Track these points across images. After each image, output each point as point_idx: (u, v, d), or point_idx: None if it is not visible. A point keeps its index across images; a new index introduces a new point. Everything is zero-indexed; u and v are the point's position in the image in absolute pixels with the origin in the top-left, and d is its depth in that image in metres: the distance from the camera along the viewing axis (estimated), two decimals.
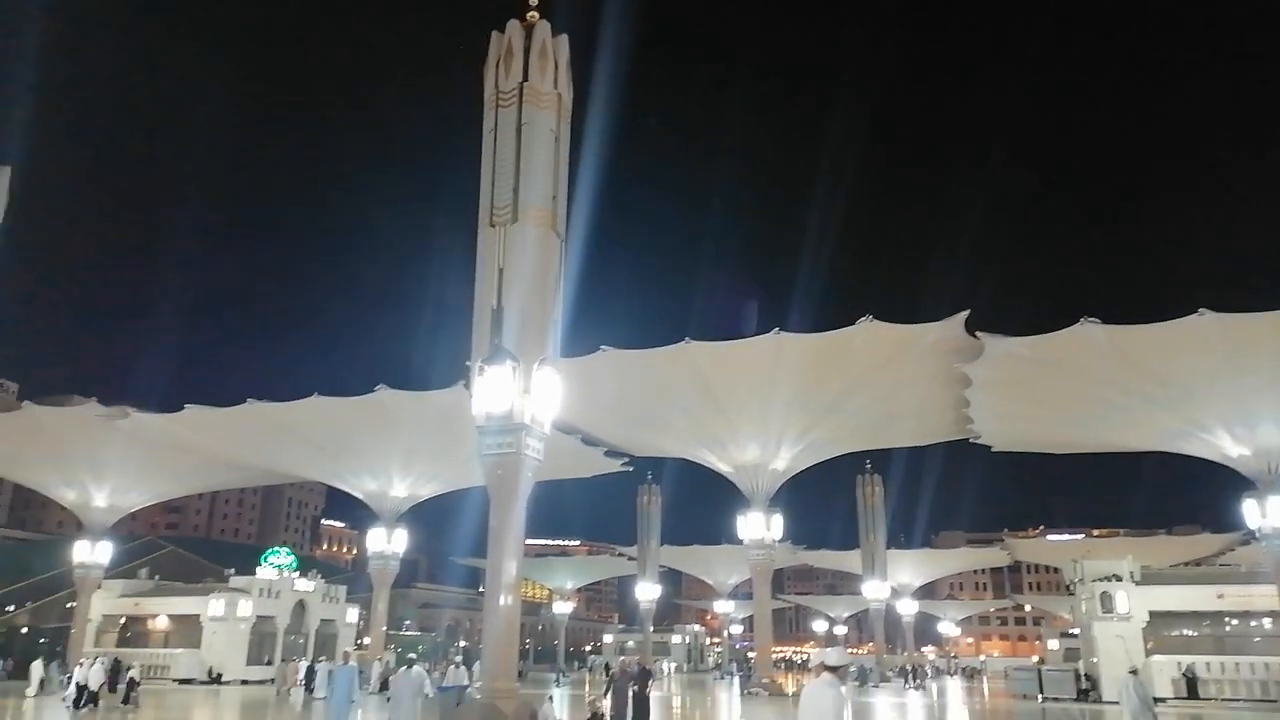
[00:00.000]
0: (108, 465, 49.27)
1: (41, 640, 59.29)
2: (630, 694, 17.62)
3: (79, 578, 51.75)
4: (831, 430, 43.44)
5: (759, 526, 44.38)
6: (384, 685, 35.61)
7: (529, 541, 27.17)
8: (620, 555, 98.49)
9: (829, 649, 7.26)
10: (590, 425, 43.50)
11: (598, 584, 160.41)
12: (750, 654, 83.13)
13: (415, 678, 18.95)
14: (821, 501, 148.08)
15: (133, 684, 32.05)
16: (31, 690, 37.38)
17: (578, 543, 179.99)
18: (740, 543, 47.05)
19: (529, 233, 24.71)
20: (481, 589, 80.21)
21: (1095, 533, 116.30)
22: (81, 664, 34.41)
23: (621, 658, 52.06)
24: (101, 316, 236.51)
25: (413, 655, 21.07)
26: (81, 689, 30.93)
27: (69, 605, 57.31)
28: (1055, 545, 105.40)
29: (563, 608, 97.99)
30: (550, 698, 23.86)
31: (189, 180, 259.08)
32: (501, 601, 22.57)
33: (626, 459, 50.21)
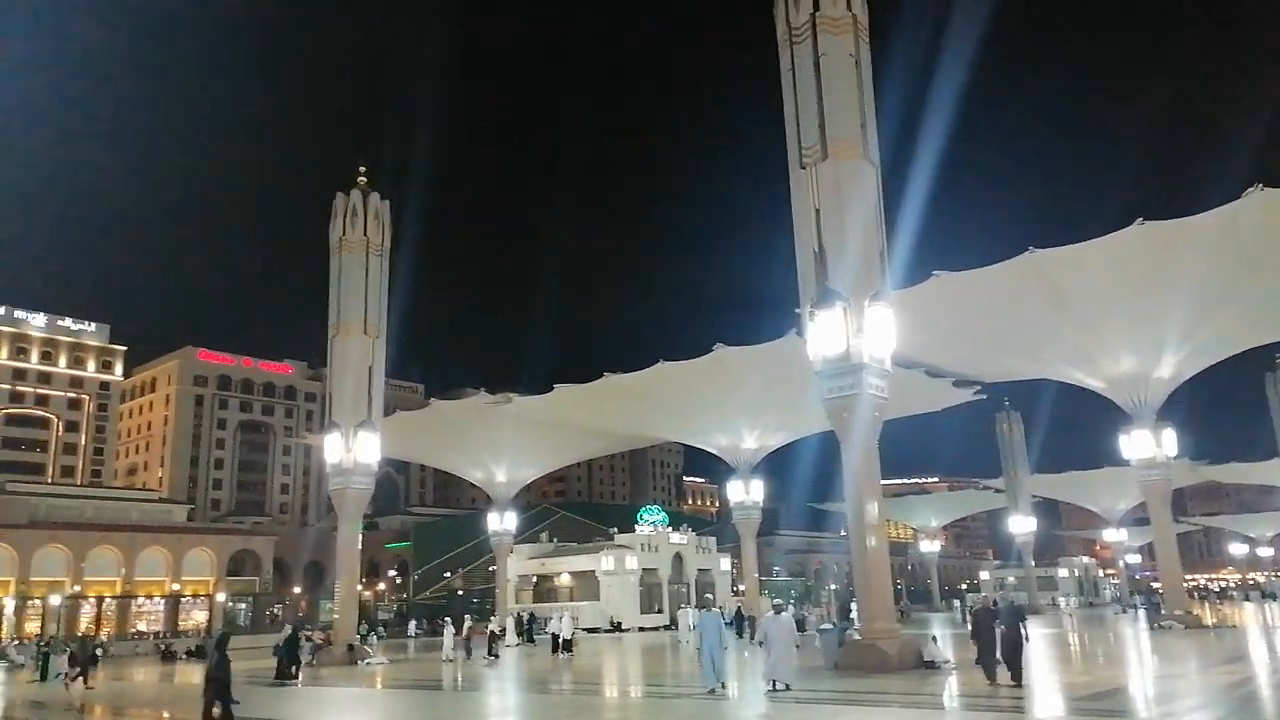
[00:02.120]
0: (502, 445, 56.22)
1: (474, 600, 69.57)
2: (999, 633, 16.31)
3: (495, 544, 59.80)
4: (1226, 325, 37.32)
5: (1147, 444, 39.51)
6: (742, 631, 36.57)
7: (886, 481, 26.60)
8: (986, 488, 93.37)
9: None
10: (934, 356, 41.39)
11: (964, 520, 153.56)
12: (1155, 584, 74.86)
13: (786, 623, 18.41)
14: (1223, 408, 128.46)
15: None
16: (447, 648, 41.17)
17: (936, 479, 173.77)
18: (1126, 464, 42.30)
19: (840, 167, 24.00)
20: (844, 532, 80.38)
21: None
22: (551, 618, 39.23)
23: (982, 594, 49.30)
24: (481, 313, 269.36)
25: (778, 600, 21.13)
26: (555, 638, 35.28)
27: (490, 569, 66.56)
28: None
29: (930, 546, 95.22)
30: (933, 637, 23.33)
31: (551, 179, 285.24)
32: (868, 543, 22.42)
33: (978, 387, 47.15)
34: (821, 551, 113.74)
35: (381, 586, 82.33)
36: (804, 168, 24.50)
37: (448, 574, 77.87)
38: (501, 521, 58.99)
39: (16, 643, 49.77)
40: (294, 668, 27.51)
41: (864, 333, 22.61)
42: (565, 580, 61.11)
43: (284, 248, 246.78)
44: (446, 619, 38.23)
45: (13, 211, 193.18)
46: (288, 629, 30.58)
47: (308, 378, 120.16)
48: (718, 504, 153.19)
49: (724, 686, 17.78)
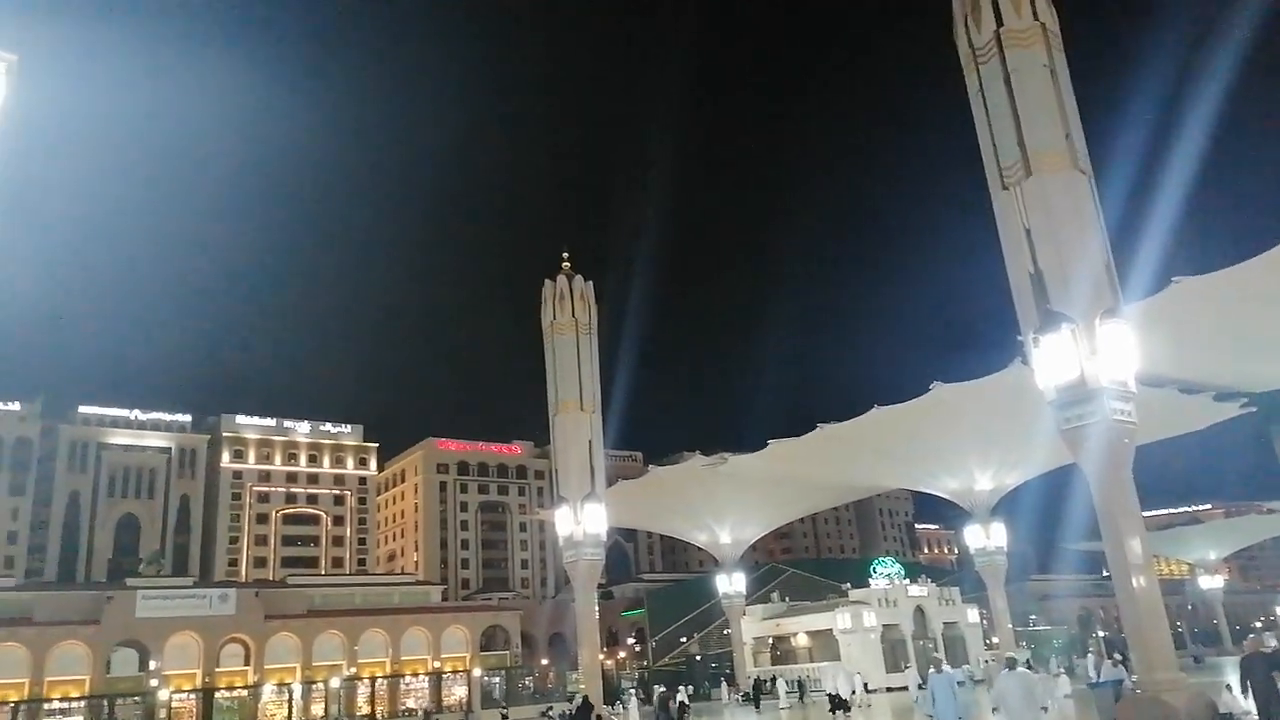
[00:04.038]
0: (722, 506, 56.26)
1: (712, 665, 69.12)
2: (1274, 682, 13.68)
3: (726, 607, 59.43)
4: None
5: None
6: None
7: (1150, 513, 24.12)
8: (1271, 512, 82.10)
9: None
10: (1186, 371, 37.30)
11: (1250, 549, 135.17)
12: None
13: (1024, 682, 15.74)
14: None
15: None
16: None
17: (1209, 506, 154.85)
18: None
19: (1048, 182, 22.66)
20: (1106, 573, 73.16)
21: None
22: (828, 676, 38.65)
23: (1250, 635, 42.40)
24: (693, 378, 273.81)
25: (1012, 654, 18.46)
26: (833, 698, 34.66)
27: (725, 632, 66.05)
28: None
29: (1211, 581, 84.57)
30: (1228, 685, 20.62)
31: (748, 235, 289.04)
32: (1135, 584, 20.34)
33: (1244, 399, 41.90)
34: (1083, 595, 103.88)
35: (622, 654, 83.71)
36: (1006, 188, 23.32)
37: (684, 639, 78.00)
38: (730, 583, 58.60)
39: None
40: None
41: (1098, 354, 20.90)
42: (802, 640, 59.50)
43: (504, 335, 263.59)
44: (630, 691, 38.46)
45: (268, 329, 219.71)
46: (579, 699, 32.01)
47: (535, 456, 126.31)
48: (955, 550, 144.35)
49: None
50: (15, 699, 53.58)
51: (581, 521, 40.40)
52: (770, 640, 61.56)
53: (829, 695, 35.11)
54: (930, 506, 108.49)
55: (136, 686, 56.09)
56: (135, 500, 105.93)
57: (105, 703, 54.23)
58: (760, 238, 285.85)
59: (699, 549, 67.73)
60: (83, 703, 54.88)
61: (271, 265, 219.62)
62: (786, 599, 67.14)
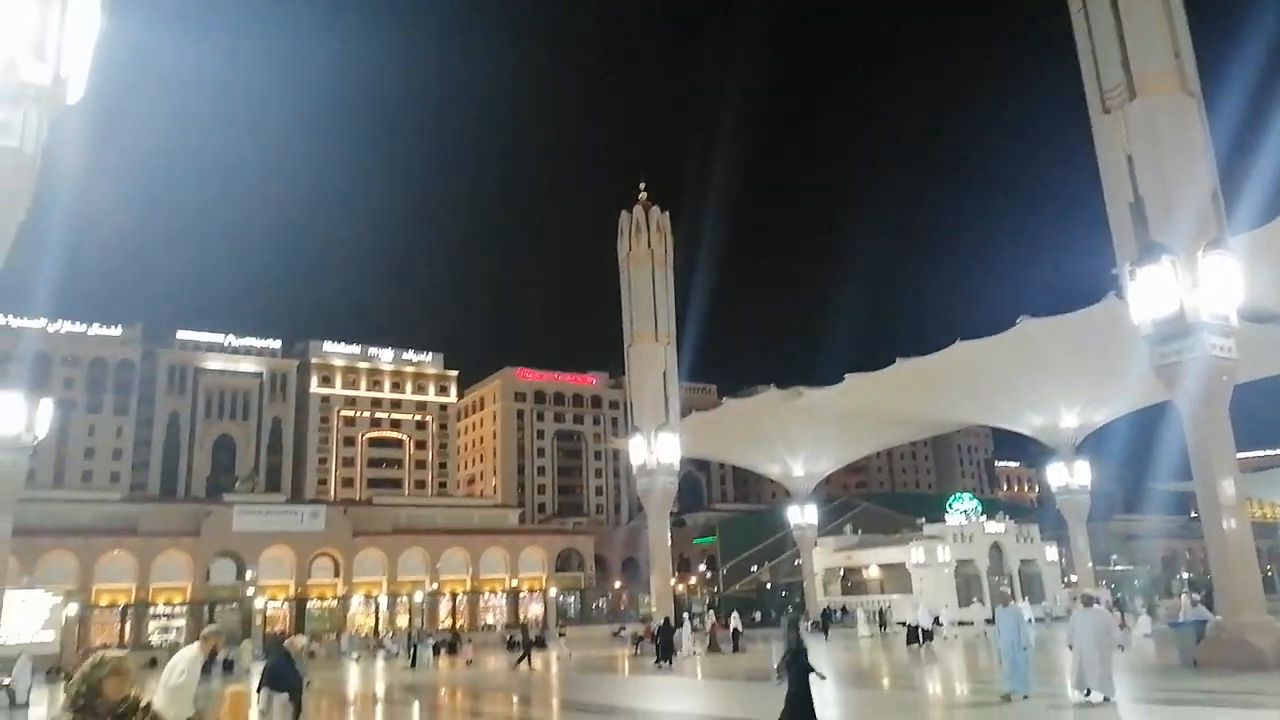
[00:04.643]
0: (797, 439, 56.14)
1: (783, 593, 70.00)
2: None
3: (798, 538, 59.79)
4: None
5: None
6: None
7: (1244, 455, 23.17)
8: None
9: None
10: None
11: None
12: None
13: (1099, 619, 15.23)
14: None
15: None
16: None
17: None
18: None
19: (1154, 105, 21.36)
20: (1194, 514, 70.94)
21: None
22: (910, 608, 38.49)
23: None
24: (770, 310, 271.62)
25: (1088, 591, 17.63)
26: (911, 629, 34.43)
27: (795, 563, 66.62)
28: None
29: None
30: None
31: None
32: (1224, 526, 19.69)
33: None
34: (1168, 537, 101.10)
35: (693, 580, 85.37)
36: (1108, 112, 22.07)
37: (754, 568, 79.00)
38: (802, 515, 58.83)
39: (390, 635, 57.62)
40: (669, 653, 29.31)
41: (1199, 287, 19.90)
42: (874, 573, 59.63)
43: (582, 265, 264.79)
44: (685, 615, 39.07)
45: (355, 259, 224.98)
46: (661, 619, 32.87)
47: (610, 386, 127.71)
48: (1036, 489, 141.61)
49: (1024, 698, 15.36)
50: (125, 602, 57.70)
51: (655, 451, 40.91)
52: (841, 571, 61.87)
53: (907, 626, 35.23)
54: (1011, 443, 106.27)
55: (234, 594, 59.70)
56: (230, 422, 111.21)
57: (205, 608, 57.93)
58: (841, 168, 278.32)
59: (771, 481, 67.93)
60: (185, 607, 58.74)
61: (358, 197, 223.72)
62: (859, 532, 67.16)
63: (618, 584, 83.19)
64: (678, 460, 41.84)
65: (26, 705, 22.18)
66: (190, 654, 7.93)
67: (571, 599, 74.26)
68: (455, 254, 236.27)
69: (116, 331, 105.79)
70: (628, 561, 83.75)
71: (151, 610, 58.41)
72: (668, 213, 45.93)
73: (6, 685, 23.17)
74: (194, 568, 60.11)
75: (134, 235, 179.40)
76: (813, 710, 11.54)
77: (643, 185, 46.40)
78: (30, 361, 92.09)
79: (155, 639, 56.15)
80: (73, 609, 51.54)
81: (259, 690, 10.95)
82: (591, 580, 77.16)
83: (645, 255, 44.08)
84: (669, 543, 43.68)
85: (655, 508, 41.35)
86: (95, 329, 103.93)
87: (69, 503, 62.49)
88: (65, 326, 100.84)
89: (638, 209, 45.14)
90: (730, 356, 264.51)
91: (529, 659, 30.79)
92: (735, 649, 34.18)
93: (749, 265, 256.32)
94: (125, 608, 57.49)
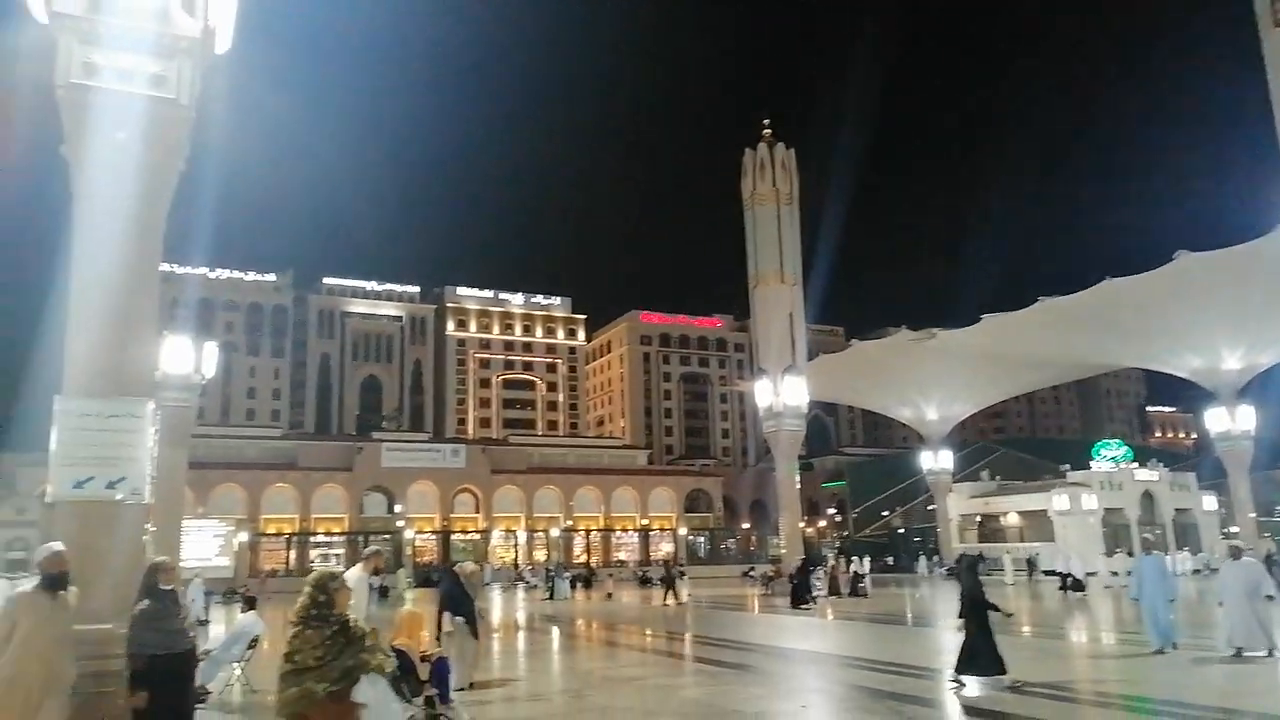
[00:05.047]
0: (930, 382, 54.64)
1: (915, 539, 68.91)
2: None
3: (932, 483, 58.56)
4: None
5: None
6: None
7: None
8: None
9: None
10: None
11: None
12: None
13: (1247, 571, 14.19)
14: None
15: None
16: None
17: None
18: None
19: None
20: None
21: None
22: (1063, 556, 37.38)
23: None
24: (900, 250, 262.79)
25: (1237, 543, 16.35)
26: (1064, 577, 33.76)
27: (929, 508, 65.34)
28: None
29: None
30: None
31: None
32: None
33: None
34: None
35: (822, 524, 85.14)
36: (1279, 25, 20.08)
37: (885, 512, 77.98)
38: (936, 460, 57.46)
39: (530, 568, 60.32)
40: (808, 594, 29.75)
41: None
42: (1013, 520, 57.82)
43: (708, 207, 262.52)
44: (820, 556, 38.87)
45: (488, 205, 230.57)
46: (798, 560, 33.29)
47: (735, 329, 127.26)
48: (1193, 435, 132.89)
49: (1174, 646, 14.66)
50: (289, 531, 62.59)
51: (781, 394, 40.70)
52: (978, 518, 60.30)
53: (1060, 575, 34.23)
54: (1166, 387, 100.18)
55: (386, 526, 63.74)
56: (376, 363, 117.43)
57: (361, 538, 62.20)
58: (983, 97, 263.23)
59: (902, 425, 66.55)
60: (342, 538, 63.22)
61: (490, 149, 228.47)
62: (997, 478, 65.10)
63: (745, 525, 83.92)
64: (805, 403, 41.48)
65: (206, 623, 24.63)
66: (356, 574, 8.62)
67: (701, 539, 75.60)
68: (583, 200, 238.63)
69: (271, 278, 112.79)
70: (755, 504, 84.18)
71: (312, 539, 63.17)
72: (793, 149, 44.86)
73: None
74: (349, 500, 64.48)
75: (283, 185, 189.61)
76: (997, 651, 11.58)
77: (767, 122, 45.45)
78: (194, 307, 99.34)
79: (317, 566, 60.88)
80: (243, 537, 56.34)
81: (440, 613, 11.81)
82: (720, 521, 78.15)
83: (769, 194, 43.30)
84: (797, 486, 43.64)
85: (782, 451, 41.27)
86: (251, 275, 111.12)
87: (236, 439, 67.94)
88: (224, 274, 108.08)
89: (761, 146, 44.24)
90: (858, 298, 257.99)
91: (674, 594, 31.65)
92: (854, 593, 34.10)
93: (879, 202, 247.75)
94: (290, 537, 62.40)
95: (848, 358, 55.79)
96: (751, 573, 49.08)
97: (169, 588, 7.15)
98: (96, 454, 9.43)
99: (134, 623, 7.04)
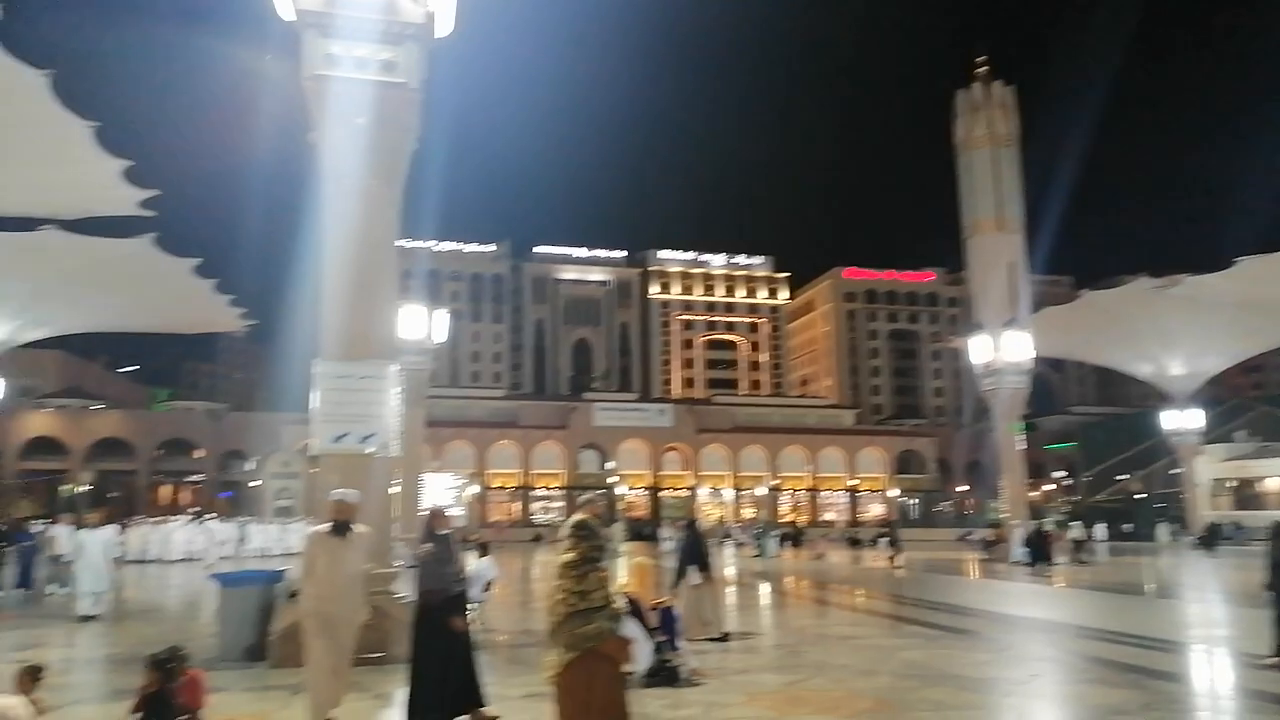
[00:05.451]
0: (1174, 334, 49.50)
1: (1158, 504, 63.16)
2: None
3: (1176, 445, 53.35)
4: None
5: None
6: None
7: None
8: None
9: None
10: None
11: None
12: None
13: None
14: None
15: None
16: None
17: None
18: None
19: None
20: None
21: None
22: None
23: None
24: (1138, 192, 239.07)
25: None
26: None
27: (1170, 471, 59.63)
28: None
29: None
30: None
31: None
32: None
33: None
34: None
35: (1047, 487, 79.97)
36: None
37: (1121, 476, 72.00)
38: (1183, 419, 52.22)
39: (738, 525, 61.00)
40: (1045, 560, 28.52)
41: None
42: (1273, 485, 51.73)
43: (913, 155, 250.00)
44: (1015, 523, 36.03)
45: (688, 166, 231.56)
46: (1032, 524, 32.21)
47: (947, 282, 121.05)
48: None
49: None
50: (512, 485, 66.83)
51: (1001, 350, 38.38)
52: (1233, 483, 54.42)
53: None
54: None
55: (598, 481, 66.54)
56: (585, 327, 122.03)
57: (576, 492, 65.36)
58: (1233, 13, 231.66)
59: (1140, 382, 60.68)
60: (561, 491, 66.69)
61: (688, 108, 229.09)
62: (1256, 439, 58.30)
63: (962, 488, 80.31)
64: (1028, 359, 38.90)
65: None
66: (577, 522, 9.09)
67: (913, 501, 73.26)
68: (782, 156, 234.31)
69: (490, 248, 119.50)
70: (972, 465, 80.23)
71: (533, 493, 67.10)
72: (1012, 86, 41.78)
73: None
74: (565, 456, 67.85)
75: (497, 157, 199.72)
76: None
77: (981, 59, 42.50)
78: (424, 278, 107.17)
79: (538, 518, 64.69)
80: (474, 490, 60.83)
81: (681, 566, 12.34)
82: (934, 483, 75.32)
83: (986, 136, 40.60)
84: (1020, 447, 41.15)
85: (1002, 410, 38.95)
86: (472, 247, 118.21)
87: (463, 399, 73.07)
88: (447, 246, 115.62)
89: (976, 85, 41.48)
90: (1088, 245, 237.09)
91: (897, 554, 30.85)
92: (1076, 561, 31.86)
93: (1112, 141, 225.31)
94: (514, 490, 66.67)
95: (1077, 309, 51.49)
96: (969, 536, 47.13)
97: (444, 532, 7.63)
98: (350, 411, 10.50)
99: (419, 562, 7.64)
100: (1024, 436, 41.69)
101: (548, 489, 67.62)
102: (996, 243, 39.57)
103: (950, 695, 8.89)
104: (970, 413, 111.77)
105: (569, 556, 5.44)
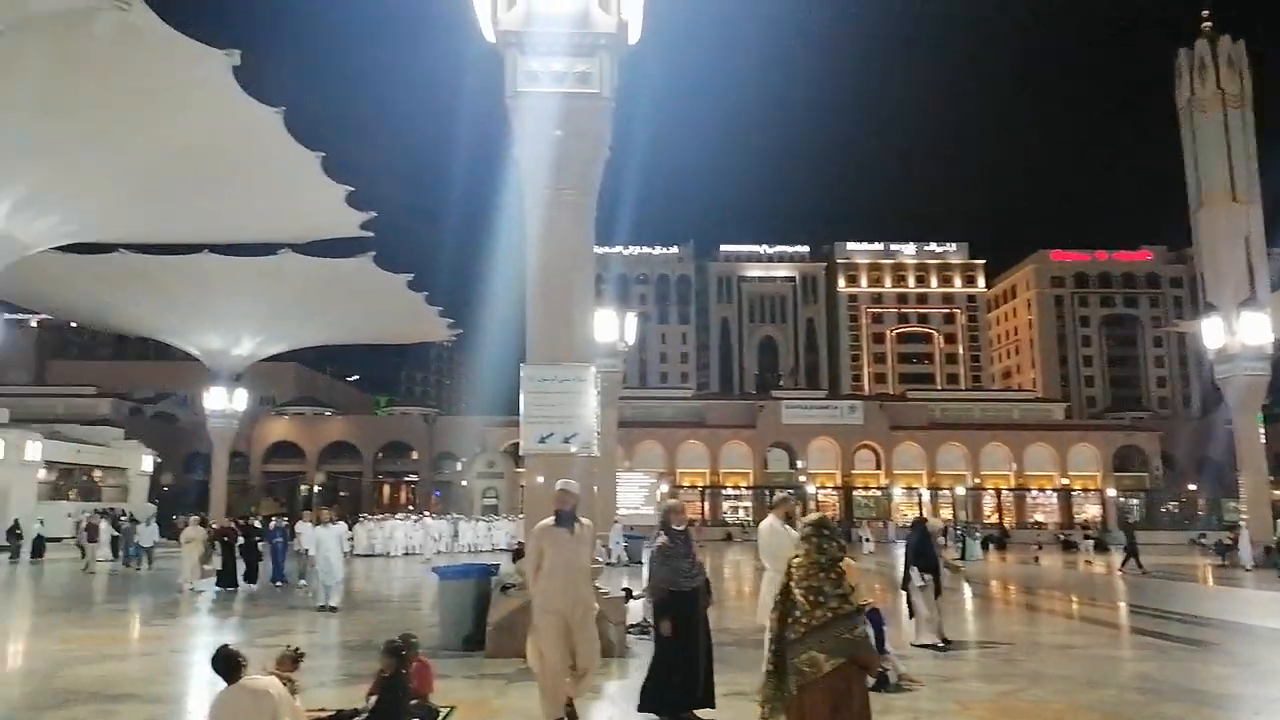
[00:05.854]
0: None
1: None
2: None
3: None
4: None
5: None
6: None
7: None
8: None
9: None
10: None
11: None
12: None
13: None
14: None
15: None
16: None
17: None
18: None
19: None
20: None
21: None
22: None
23: None
24: None
25: None
26: None
27: None
28: None
29: None
30: None
31: None
32: None
33: None
34: None
35: None
36: None
37: None
38: None
39: (940, 526, 58.49)
40: None
41: None
42: None
43: (1117, 126, 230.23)
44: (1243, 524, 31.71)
45: (874, 153, 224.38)
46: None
47: (1169, 261, 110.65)
48: None
49: None
50: (701, 484, 67.37)
51: (1237, 333, 34.70)
52: None
53: None
54: None
55: (788, 481, 65.82)
56: (770, 324, 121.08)
57: (766, 492, 64.92)
58: None
59: None
60: (749, 491, 66.50)
61: (867, 94, 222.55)
62: None
63: (1191, 486, 73.06)
64: (1269, 343, 34.96)
65: (619, 564, 28.42)
66: (770, 522, 9.09)
67: (1135, 501, 67.50)
68: (972, 136, 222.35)
69: (674, 250, 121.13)
70: (1203, 461, 72.75)
71: (723, 492, 67.35)
72: (1242, 40, 37.65)
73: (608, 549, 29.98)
74: (753, 456, 67.64)
75: (679, 158, 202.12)
76: None
77: (1206, 12, 38.55)
78: (614, 282, 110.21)
79: (729, 517, 64.85)
80: (664, 488, 61.81)
81: (907, 567, 12.11)
82: (1159, 481, 69.07)
83: (1214, 98, 36.86)
84: (1262, 440, 36.99)
85: (1239, 400, 35.19)
86: (658, 249, 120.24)
87: (653, 400, 74.43)
88: (635, 250, 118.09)
89: (1200, 43, 37.75)
90: None
91: (1135, 559, 28.64)
92: None
93: None
94: (703, 489, 67.23)
95: None
96: (1202, 539, 42.92)
97: (680, 528, 7.61)
98: (554, 413, 11.05)
99: (654, 558, 7.66)
100: (1265, 429, 37.50)
101: (736, 488, 67.64)
102: (1230, 215, 35.98)
103: (1189, 711, 8.20)
104: (1200, 404, 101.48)
105: (818, 557, 5.08)
